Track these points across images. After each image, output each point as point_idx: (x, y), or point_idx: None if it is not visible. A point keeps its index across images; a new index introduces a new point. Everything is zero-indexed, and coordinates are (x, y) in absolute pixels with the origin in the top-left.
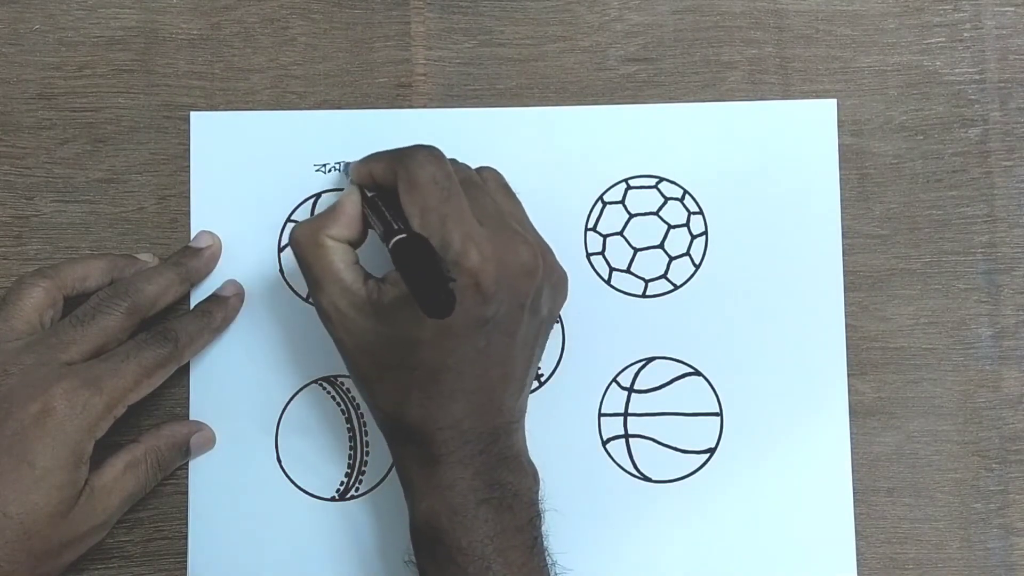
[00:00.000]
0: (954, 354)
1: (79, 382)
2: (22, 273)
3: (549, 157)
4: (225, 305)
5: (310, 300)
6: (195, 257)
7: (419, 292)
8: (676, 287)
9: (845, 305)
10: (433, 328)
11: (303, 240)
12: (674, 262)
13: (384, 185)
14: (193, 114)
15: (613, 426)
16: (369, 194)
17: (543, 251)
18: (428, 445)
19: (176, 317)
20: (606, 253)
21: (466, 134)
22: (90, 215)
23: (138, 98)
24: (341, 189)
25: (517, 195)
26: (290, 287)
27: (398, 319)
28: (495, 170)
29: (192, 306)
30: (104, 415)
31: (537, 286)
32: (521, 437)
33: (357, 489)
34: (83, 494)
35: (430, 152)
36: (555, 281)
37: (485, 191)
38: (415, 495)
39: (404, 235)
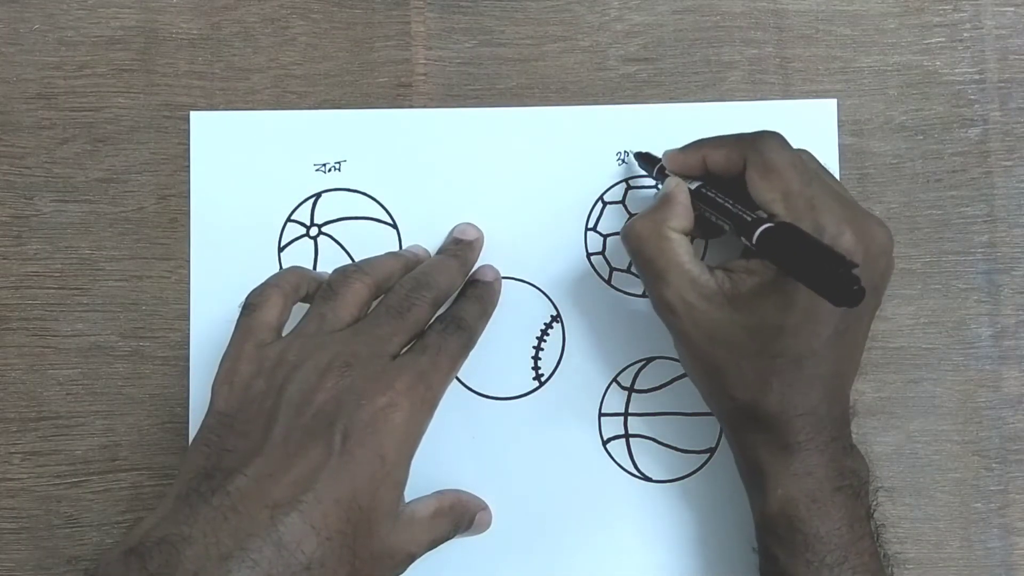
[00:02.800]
0: (954, 354)
1: (414, 377)
2: (20, 271)
3: (549, 157)
4: (491, 289)
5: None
6: (470, 249)
7: (819, 282)
8: None
9: None
10: (799, 314)
11: (646, 233)
12: None
13: (719, 173)
14: (193, 114)
15: (613, 426)
16: (693, 185)
17: (890, 230)
18: (785, 432)
19: (459, 304)
20: (606, 253)
21: (466, 134)
22: (90, 215)
23: (138, 98)
24: (346, 189)
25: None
26: None
27: (760, 307)
28: (807, 150)
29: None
30: (433, 410)
31: (890, 266)
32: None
33: None
34: (403, 513)
35: (779, 136)
36: (891, 261)
37: (823, 171)
38: (768, 483)
39: (771, 224)
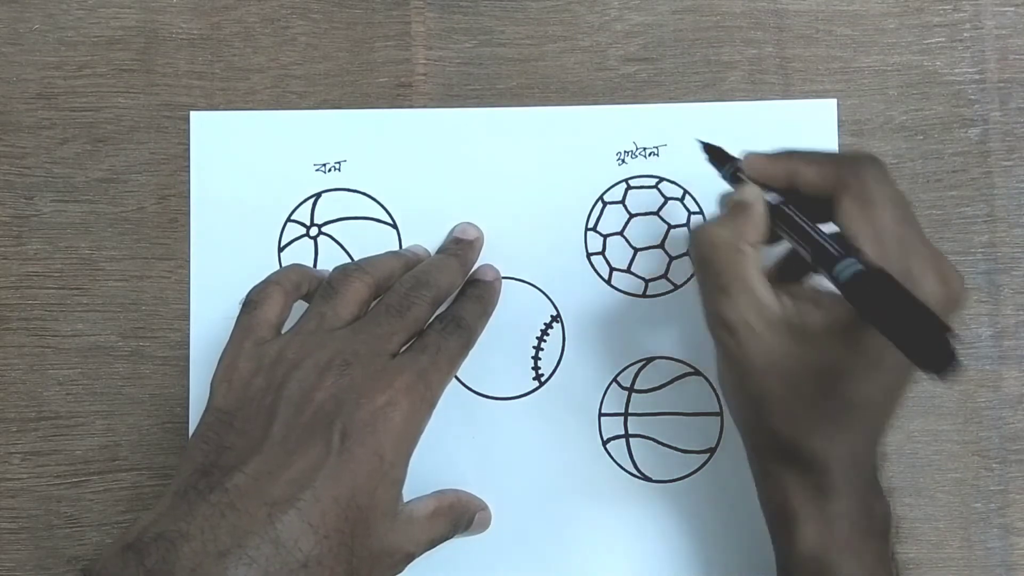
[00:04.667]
0: None
1: (414, 376)
2: (20, 271)
3: (549, 157)
4: (491, 289)
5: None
6: (470, 248)
7: (913, 345)
8: (676, 287)
9: None
10: (865, 361)
11: (720, 242)
12: (674, 262)
13: (806, 191)
14: (193, 114)
15: (613, 426)
16: (774, 200)
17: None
18: (823, 474)
19: (458, 304)
20: (606, 253)
21: (466, 134)
22: (90, 215)
23: (138, 98)
24: (346, 189)
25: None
26: None
27: (826, 347)
28: (879, 161)
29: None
30: (432, 409)
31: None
32: None
33: None
34: (402, 512)
35: (881, 165)
36: None
37: (911, 209)
38: (799, 523)
39: (861, 266)
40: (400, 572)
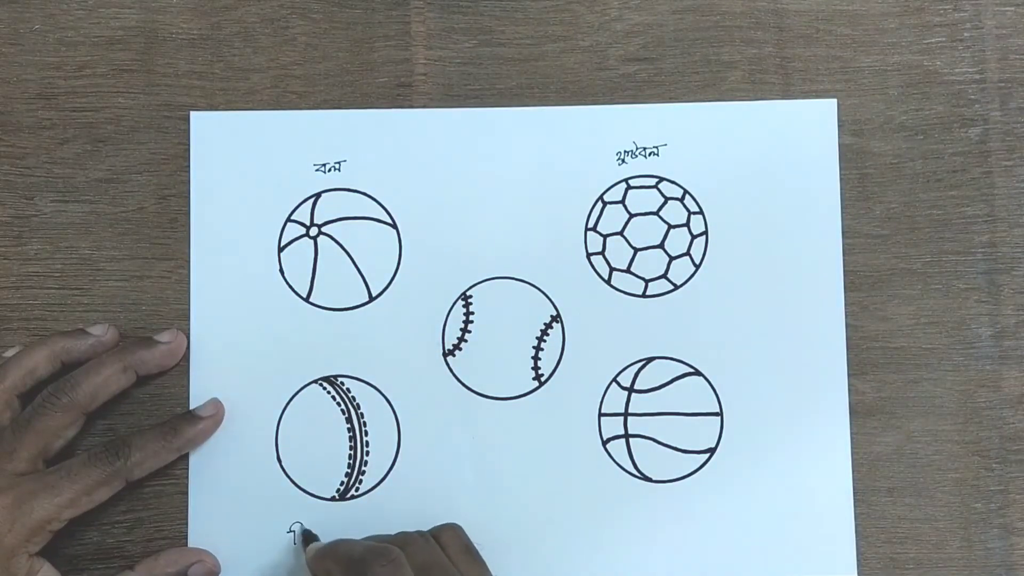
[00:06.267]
0: (954, 354)
1: (13, 498)
2: (20, 272)
3: (549, 157)
4: (195, 425)
5: (310, 300)
6: (147, 348)
7: None
8: (676, 287)
9: (845, 305)
10: None
11: None
12: (674, 262)
13: None
14: (193, 114)
15: (613, 426)
16: None
17: None
18: None
19: (138, 431)
20: (606, 253)
21: (466, 134)
22: (90, 215)
23: (138, 98)
24: (346, 189)
25: (478, 549)
26: (290, 287)
27: None
28: (455, 529)
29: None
30: (38, 531)
31: None
32: None
33: (357, 489)
34: None
35: (390, 560)
36: None
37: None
38: None
39: None
40: None
